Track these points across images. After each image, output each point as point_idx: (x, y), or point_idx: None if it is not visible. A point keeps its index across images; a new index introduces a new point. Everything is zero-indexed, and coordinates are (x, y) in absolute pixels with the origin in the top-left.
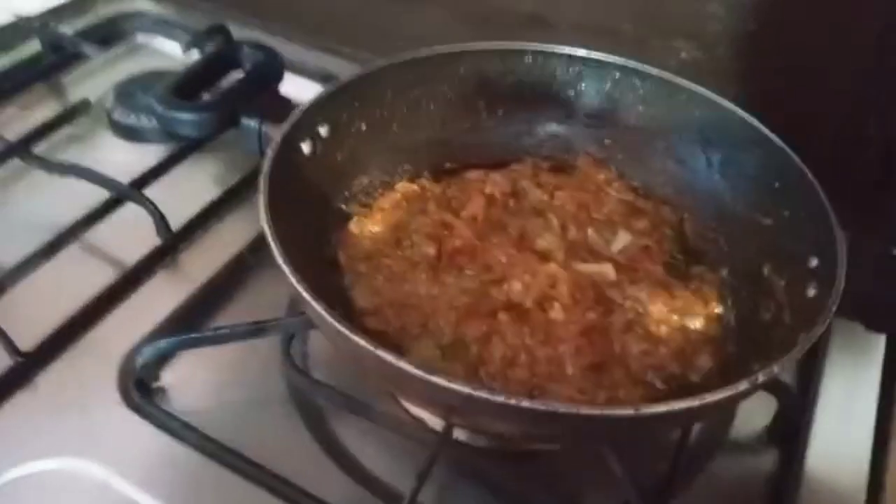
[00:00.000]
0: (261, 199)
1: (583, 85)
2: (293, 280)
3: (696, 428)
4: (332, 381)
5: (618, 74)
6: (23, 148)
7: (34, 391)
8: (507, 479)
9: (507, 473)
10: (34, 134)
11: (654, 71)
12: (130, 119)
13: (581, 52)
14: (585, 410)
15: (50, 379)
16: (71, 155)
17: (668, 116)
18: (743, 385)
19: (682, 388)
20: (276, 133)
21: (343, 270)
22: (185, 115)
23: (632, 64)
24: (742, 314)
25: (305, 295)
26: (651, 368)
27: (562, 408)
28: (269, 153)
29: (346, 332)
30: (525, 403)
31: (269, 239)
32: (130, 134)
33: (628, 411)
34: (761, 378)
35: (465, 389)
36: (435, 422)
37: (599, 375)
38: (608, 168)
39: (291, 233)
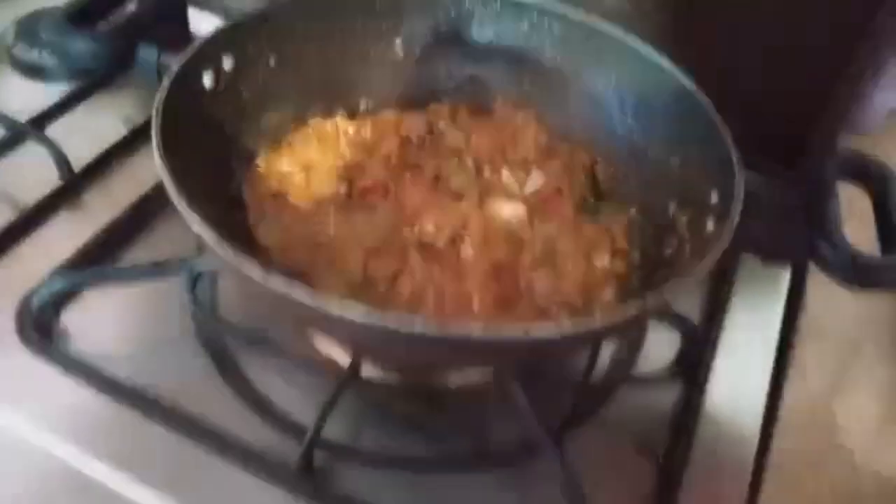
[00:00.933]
0: (154, 132)
1: (501, 26)
2: (184, 209)
3: (602, 363)
4: (241, 320)
5: (535, 16)
6: None
7: None
8: (414, 415)
9: (415, 410)
10: None
11: (571, 13)
12: (32, 55)
13: None
14: (476, 333)
15: None
16: None
17: (584, 60)
18: (632, 307)
19: None
20: (173, 65)
21: (249, 209)
22: (79, 45)
23: (549, 5)
24: (646, 250)
25: (197, 224)
26: (557, 304)
27: (453, 329)
28: (165, 83)
29: (237, 260)
30: (419, 328)
31: (162, 172)
32: (32, 71)
33: (518, 333)
34: (650, 300)
35: (360, 317)
36: (344, 358)
37: (506, 311)
38: (525, 111)
39: (192, 169)
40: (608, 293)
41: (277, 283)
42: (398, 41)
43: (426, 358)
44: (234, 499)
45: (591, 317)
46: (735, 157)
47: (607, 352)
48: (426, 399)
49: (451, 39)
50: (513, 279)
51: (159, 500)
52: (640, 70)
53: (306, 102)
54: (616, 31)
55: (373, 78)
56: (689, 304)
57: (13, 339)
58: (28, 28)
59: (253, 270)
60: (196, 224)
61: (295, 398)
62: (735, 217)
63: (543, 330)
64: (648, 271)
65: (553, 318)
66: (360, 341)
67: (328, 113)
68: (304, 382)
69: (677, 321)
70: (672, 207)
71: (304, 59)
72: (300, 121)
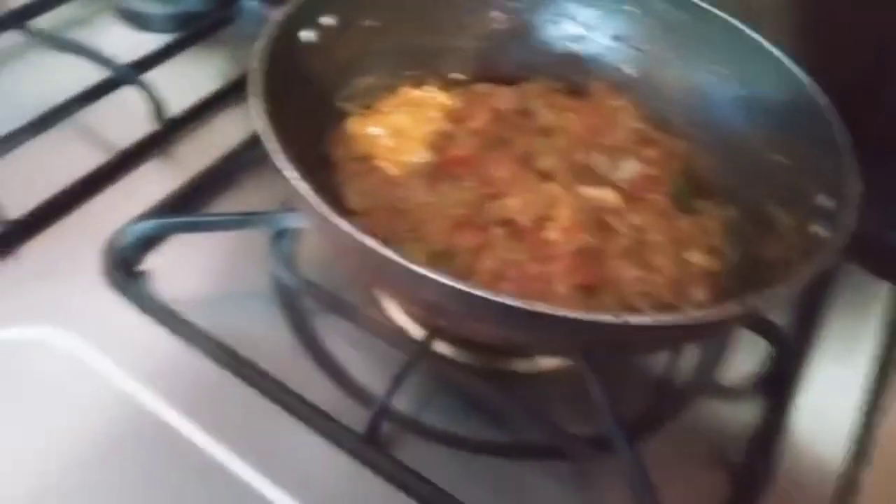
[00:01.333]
0: (253, 81)
1: (604, 3)
2: (280, 161)
3: (683, 366)
4: (319, 282)
5: None
6: (20, 20)
7: (16, 260)
8: (485, 395)
9: (486, 390)
10: (35, 7)
11: None
12: (136, 3)
13: None
14: (564, 313)
15: (34, 249)
16: (72, 35)
17: (691, 46)
18: (733, 307)
19: None
20: (276, 16)
21: (336, 169)
22: None
23: None
24: (745, 251)
25: (292, 178)
26: (643, 296)
27: (542, 307)
28: (267, 33)
29: (331, 216)
30: (507, 300)
31: (260, 122)
32: (135, 20)
33: (610, 318)
34: (752, 302)
35: (448, 282)
36: (417, 331)
37: (589, 297)
38: (622, 96)
39: (285, 123)
40: (700, 292)
41: (371, 242)
42: (495, 13)
43: (508, 334)
44: (297, 457)
45: (686, 311)
46: (853, 164)
47: (689, 356)
48: (497, 382)
49: (551, 15)
50: (599, 265)
51: (222, 449)
52: (753, 61)
53: (399, 69)
54: (730, 19)
55: (468, 49)
56: (780, 312)
57: (97, 277)
58: None
59: (346, 226)
60: (291, 177)
61: (365, 366)
62: (851, 226)
63: (637, 318)
64: (745, 273)
65: (638, 311)
66: (445, 311)
67: (420, 81)
68: (376, 351)
69: (767, 330)
70: (774, 207)
71: (401, 25)
72: (392, 86)
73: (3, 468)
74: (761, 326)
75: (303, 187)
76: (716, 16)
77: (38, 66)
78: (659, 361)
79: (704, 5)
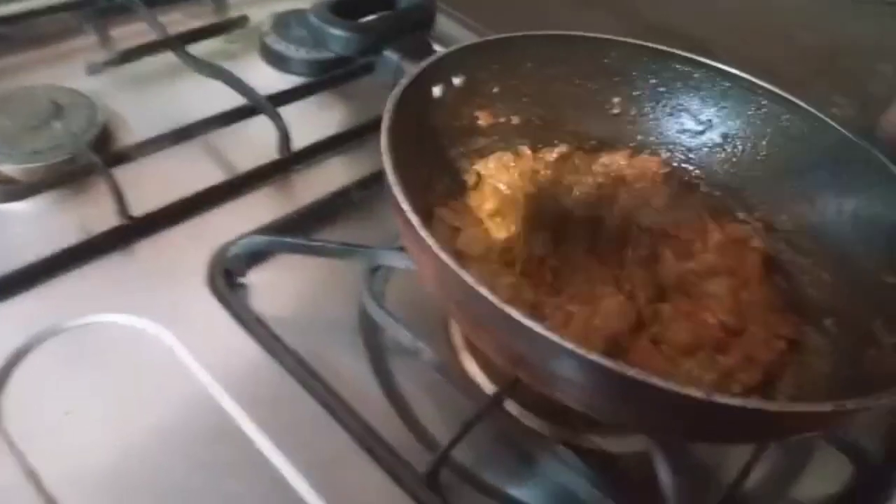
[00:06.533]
0: (384, 125)
1: (727, 104)
2: (401, 198)
3: (756, 475)
4: (402, 321)
5: (764, 101)
6: (178, 44)
7: (131, 254)
8: (547, 462)
9: (547, 457)
10: (191, 34)
11: (805, 105)
12: (280, 46)
13: (734, 70)
14: (656, 381)
15: (147, 247)
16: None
17: (806, 153)
18: (827, 406)
19: None
20: (412, 69)
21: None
22: (336, 31)
23: (784, 93)
24: (838, 363)
25: (409, 212)
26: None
27: (634, 372)
28: (403, 83)
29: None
30: (594, 357)
31: (386, 162)
32: (277, 60)
33: (699, 394)
34: (849, 406)
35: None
36: (488, 386)
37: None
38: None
39: (403, 166)
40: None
41: (482, 289)
42: (616, 99)
43: (587, 394)
44: (355, 485)
45: (778, 401)
46: None
47: (766, 466)
48: (561, 452)
49: (670, 109)
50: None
51: (285, 461)
52: (867, 175)
53: (513, 137)
54: (858, 140)
55: (580, 128)
56: (868, 434)
57: (201, 282)
58: (282, 22)
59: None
60: (408, 212)
61: (433, 411)
62: None
63: (726, 398)
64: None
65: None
66: (530, 363)
67: (532, 148)
68: (445, 399)
69: (851, 449)
70: (877, 325)
71: (522, 96)
72: (505, 150)
73: (84, 433)
74: (846, 444)
75: (415, 219)
76: (842, 134)
77: (186, 86)
78: (734, 464)
79: (829, 121)
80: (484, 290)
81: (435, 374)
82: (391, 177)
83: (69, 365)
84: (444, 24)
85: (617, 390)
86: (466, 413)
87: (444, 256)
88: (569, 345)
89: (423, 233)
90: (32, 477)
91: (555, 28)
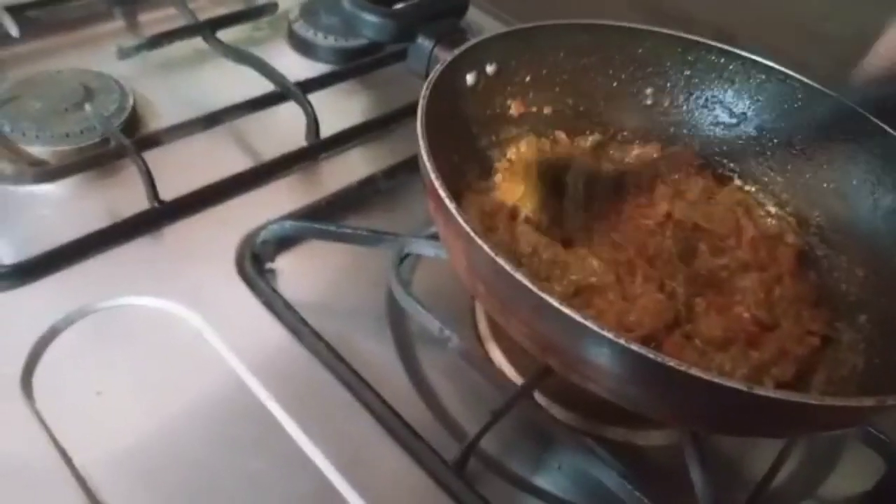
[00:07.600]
0: (420, 111)
1: (761, 97)
2: (438, 185)
3: (787, 470)
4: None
5: (801, 94)
6: (208, 29)
7: (160, 238)
8: (573, 451)
9: (574, 448)
10: (220, 20)
11: (844, 99)
12: (308, 33)
13: (769, 63)
14: (695, 371)
15: (177, 231)
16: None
17: (844, 147)
18: (869, 401)
19: None
20: (446, 56)
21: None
22: (369, 17)
23: (819, 86)
24: (871, 359)
25: (446, 199)
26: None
27: (671, 362)
28: (437, 69)
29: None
30: (634, 347)
31: (422, 149)
32: (304, 47)
33: (741, 386)
34: (890, 402)
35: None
36: (515, 376)
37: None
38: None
39: (436, 153)
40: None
41: (519, 274)
42: (649, 90)
43: (621, 382)
44: (381, 469)
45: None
46: None
47: (796, 462)
48: (589, 441)
49: (704, 101)
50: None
51: (310, 443)
52: None
53: (546, 126)
54: (891, 130)
55: (613, 118)
56: None
57: (230, 266)
58: (311, 9)
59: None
60: (445, 198)
61: (459, 399)
62: None
63: (764, 390)
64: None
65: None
66: (563, 350)
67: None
68: (471, 388)
69: (884, 445)
70: None
71: (554, 85)
72: (534, 140)
73: (114, 414)
74: (877, 440)
75: (453, 205)
76: (881, 129)
77: (214, 72)
78: (764, 460)
79: (869, 116)
80: (519, 275)
81: (461, 361)
82: (426, 159)
83: (99, 346)
84: (471, 13)
85: (654, 380)
86: (491, 401)
87: (477, 240)
88: (608, 333)
89: (456, 212)
90: (64, 456)
91: (577, 18)
